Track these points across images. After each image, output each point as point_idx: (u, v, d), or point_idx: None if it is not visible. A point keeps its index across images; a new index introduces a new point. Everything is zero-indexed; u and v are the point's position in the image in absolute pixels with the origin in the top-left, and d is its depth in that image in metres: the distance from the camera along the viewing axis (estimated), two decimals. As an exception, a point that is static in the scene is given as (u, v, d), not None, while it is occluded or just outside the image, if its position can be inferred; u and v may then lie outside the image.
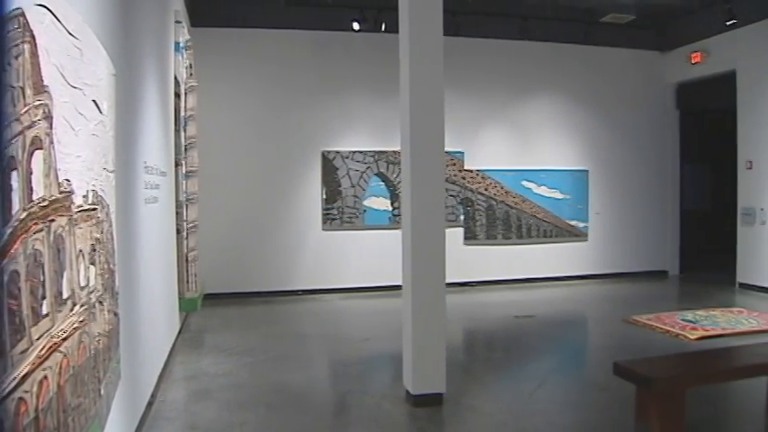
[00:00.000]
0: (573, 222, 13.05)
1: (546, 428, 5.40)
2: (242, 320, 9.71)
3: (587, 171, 13.17)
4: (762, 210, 11.64)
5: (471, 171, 12.34)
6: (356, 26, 11.35)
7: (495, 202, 12.49)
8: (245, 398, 6.10)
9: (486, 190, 12.43)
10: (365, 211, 11.79)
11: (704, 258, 14.04)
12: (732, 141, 12.28)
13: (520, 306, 10.53)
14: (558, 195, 12.92)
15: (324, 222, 11.64)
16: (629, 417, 5.43)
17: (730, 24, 11.56)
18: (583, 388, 6.64)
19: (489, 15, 12.14)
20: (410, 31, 5.81)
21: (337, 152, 11.64)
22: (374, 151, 11.79)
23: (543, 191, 12.81)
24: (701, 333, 8.33)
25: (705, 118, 14.09)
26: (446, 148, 11.43)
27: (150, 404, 5.64)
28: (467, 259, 12.24)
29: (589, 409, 5.91)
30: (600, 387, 6.37)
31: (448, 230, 11.49)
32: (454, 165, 12.19)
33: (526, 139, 12.77)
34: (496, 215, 12.51)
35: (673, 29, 13.40)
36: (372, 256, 11.62)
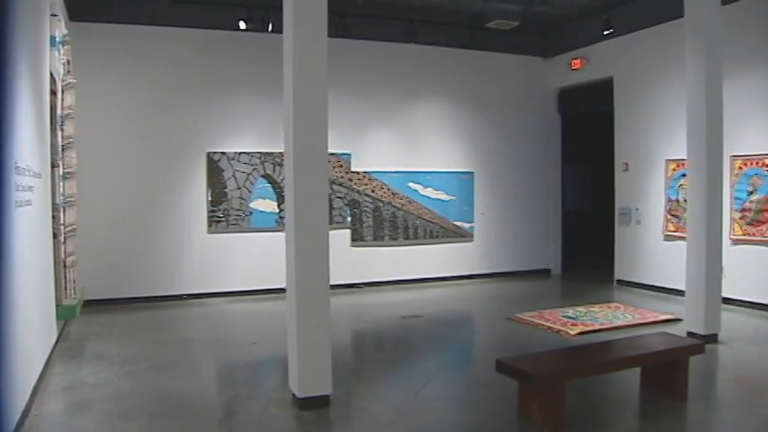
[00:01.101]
0: (459, 223, 13.28)
1: (432, 426, 5.45)
2: (125, 327, 9.35)
3: (473, 173, 13.43)
4: (637, 210, 12.19)
5: (358, 173, 12.34)
6: (243, 25, 11.13)
7: (382, 204, 12.55)
8: (127, 408, 5.87)
9: (373, 191, 12.46)
10: (251, 213, 11.59)
11: (585, 257, 14.56)
12: (610, 144, 12.82)
13: (407, 306, 10.60)
14: (445, 197, 13.12)
15: (209, 225, 11.36)
16: (513, 411, 5.56)
17: (608, 34, 12.08)
18: (468, 385, 6.75)
19: (377, 18, 12.19)
20: (294, 32, 5.73)
21: (223, 153, 11.38)
22: (261, 153, 11.61)
23: (430, 192, 12.97)
24: (581, 328, 8.63)
25: (585, 122, 14.63)
26: (333, 150, 11.61)
27: (23, 419, 5.33)
28: (354, 261, 12.24)
29: (474, 406, 6.01)
30: (484, 384, 6.49)
31: (335, 232, 11.66)
32: (341, 166, 12.16)
33: (413, 141, 12.89)
34: (383, 216, 12.57)
35: (555, 36, 13.87)
36: (259, 258, 11.44)
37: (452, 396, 6.34)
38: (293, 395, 5.87)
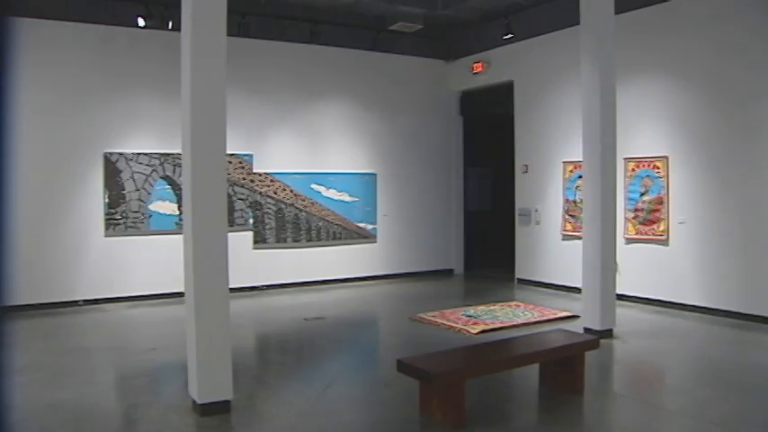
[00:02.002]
0: (362, 224, 13.28)
1: (334, 428, 5.40)
2: (16, 336, 8.86)
3: (376, 174, 13.46)
4: (536, 210, 12.49)
5: (260, 174, 12.16)
6: (141, 22, 10.79)
7: (284, 206, 12.41)
8: (15, 422, 5.54)
9: (275, 193, 12.31)
10: (151, 215, 11.24)
11: (487, 257, 14.82)
12: (511, 146, 13.08)
13: (311, 308, 10.52)
14: (348, 198, 13.09)
15: (107, 228, 10.94)
16: (415, 410, 5.57)
17: (508, 38, 12.33)
18: (370, 386, 6.73)
19: (280, 18, 12.07)
20: (192, 30, 5.57)
21: (121, 154, 10.99)
22: (160, 153, 11.27)
23: (332, 194, 12.92)
24: (482, 327, 8.75)
25: (487, 124, 14.90)
26: (234, 151, 11.46)
27: None
28: (257, 263, 12.07)
29: (376, 406, 5.99)
30: (386, 384, 6.49)
31: (237, 234, 11.48)
32: (243, 167, 11.96)
33: (316, 142, 12.82)
34: (286, 218, 12.44)
35: (457, 40, 14.07)
36: (159, 262, 11.08)
37: (355, 397, 6.31)
38: (193, 401, 5.70)
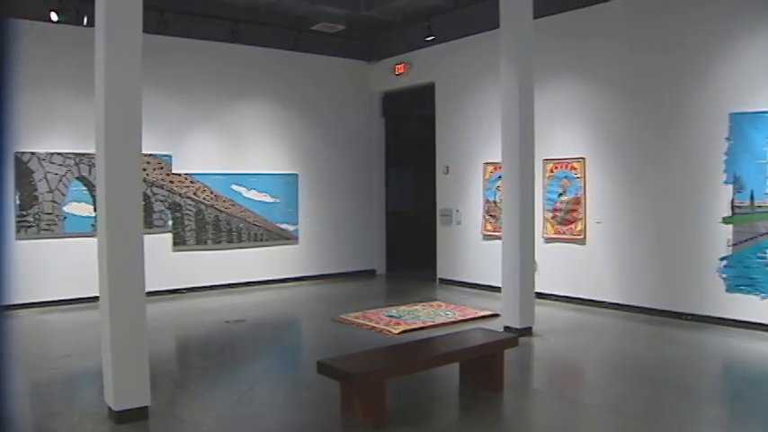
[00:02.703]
0: (283, 226, 13.15)
1: (254, 432, 5.32)
2: None
3: (297, 175, 13.34)
4: (457, 211, 12.61)
5: (180, 175, 11.90)
6: (54, 17, 10.39)
7: (204, 207, 12.19)
8: None
9: (195, 194, 12.07)
10: (65, 217, 10.85)
11: (409, 257, 14.89)
12: (432, 147, 13.17)
13: (232, 311, 10.36)
14: (269, 199, 12.94)
15: (18, 231, 10.51)
16: (336, 412, 5.53)
17: (430, 40, 12.42)
18: (291, 388, 6.66)
19: (200, 16, 11.84)
20: (106, 25, 5.40)
21: (33, 153, 10.58)
22: (75, 153, 10.89)
23: (253, 195, 12.75)
24: (403, 327, 8.78)
25: (409, 125, 14.97)
26: (152, 151, 11.21)
27: None
28: (176, 265, 11.81)
29: (297, 409, 5.93)
30: (308, 386, 6.44)
31: (156, 236, 11.24)
32: (161, 168, 11.69)
33: (237, 142, 12.63)
34: (206, 220, 12.22)
35: (379, 41, 14.10)
36: (74, 265, 10.69)
37: (276, 400, 6.23)
38: (109, 409, 5.52)
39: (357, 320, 9.31)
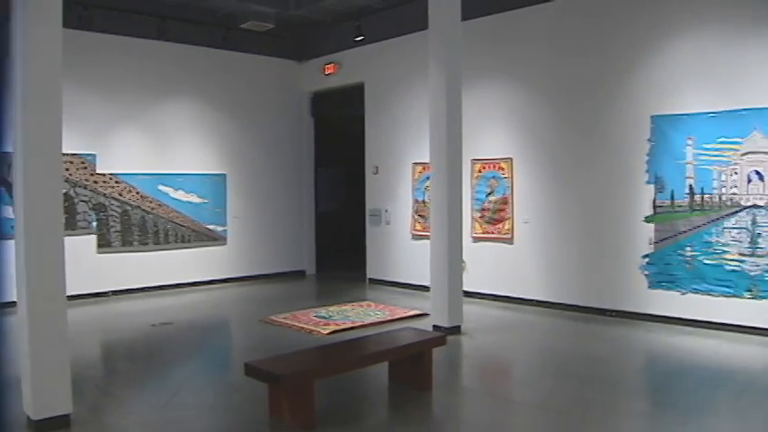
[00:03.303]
0: (211, 226, 12.95)
1: (181, 436, 5.24)
2: None
3: (225, 175, 13.16)
4: (386, 211, 12.65)
5: (104, 175, 11.59)
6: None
7: (130, 208, 11.90)
8: None
9: (120, 195, 11.78)
10: (-17, 219, 10.46)
11: (339, 257, 14.87)
12: (362, 147, 13.18)
13: (159, 314, 10.17)
14: (196, 200, 12.72)
15: (-69, 232, 10.10)
16: (265, 414, 5.48)
17: (359, 40, 12.43)
18: (219, 391, 6.57)
19: (125, 11, 11.55)
20: (22, 20, 5.21)
21: (-53, 153, 10.16)
22: (-8, 152, 10.51)
23: (180, 195, 12.50)
24: (333, 327, 8.77)
25: (338, 125, 14.95)
26: (76, 151, 10.91)
27: None
28: (101, 268, 11.49)
29: (225, 411, 5.86)
30: (236, 388, 6.38)
31: (79, 238, 10.96)
32: (85, 168, 11.36)
33: (163, 142, 12.37)
34: (132, 221, 11.93)
35: (309, 40, 14.02)
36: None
37: (203, 403, 6.14)
38: (28, 418, 5.33)
39: (286, 321, 9.25)
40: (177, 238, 12.51)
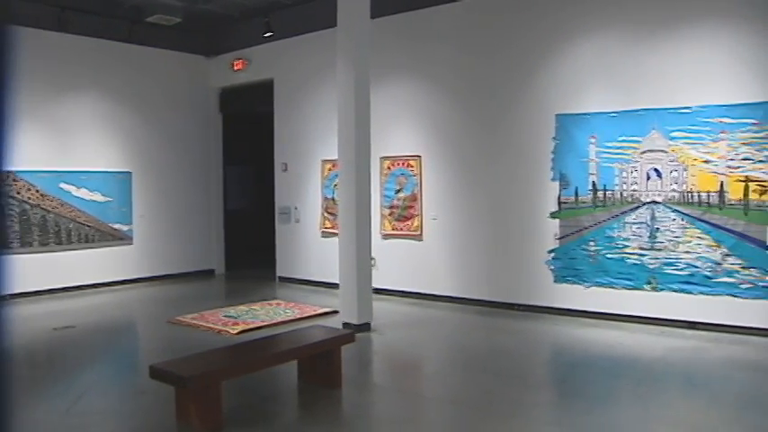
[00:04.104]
0: (117, 226, 12.60)
1: (82, 443, 5.09)
2: None
3: (131, 173, 12.83)
4: (296, 209, 12.61)
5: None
6: None
7: (29, 207, 11.44)
8: None
9: (18, 193, 11.32)
10: None
11: (249, 256, 14.72)
12: (271, 145, 13.08)
13: (61, 317, 9.85)
14: (100, 198, 12.34)
15: None
16: (171, 417, 5.39)
17: (268, 36, 12.32)
18: (125, 395, 6.43)
19: (21, 0, 11.07)
20: None
21: None
22: None
23: (84, 193, 12.10)
24: (242, 327, 8.69)
25: (247, 122, 14.79)
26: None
27: None
28: (-2, 270, 11.00)
29: (131, 416, 5.74)
30: (142, 391, 6.24)
31: (-28, 238, 10.42)
32: (-20, 166, 10.86)
33: (64, 138, 11.95)
34: (32, 221, 11.48)
35: (218, 36, 13.81)
36: None
37: (108, 408, 5.98)
38: None
39: (194, 322, 9.11)
40: (80, 238, 12.11)
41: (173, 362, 5.52)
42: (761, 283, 7.91)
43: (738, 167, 8.02)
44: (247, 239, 14.95)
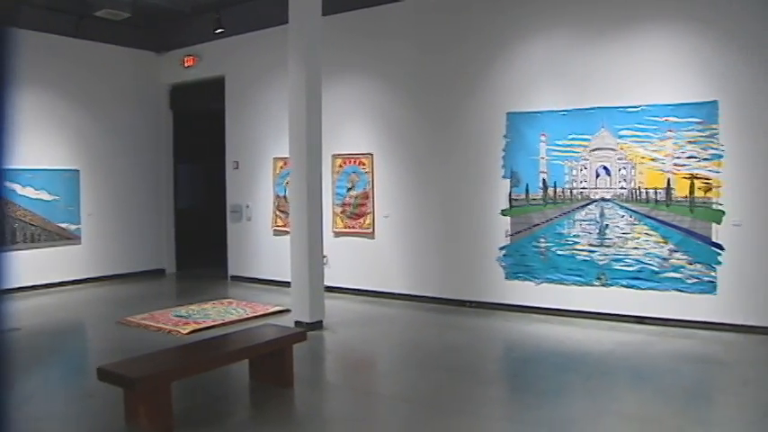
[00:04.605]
0: (64, 225, 12.33)
1: (27, 448, 4.98)
2: None
3: (78, 171, 12.57)
4: (247, 207, 12.52)
5: (-59, 170, 10.79)
6: None
7: (-30, 206, 11.13)
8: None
9: (-41, 192, 11.00)
10: None
11: (200, 255, 14.56)
12: (222, 142, 12.95)
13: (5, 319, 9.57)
14: (47, 197, 12.05)
15: None
16: (120, 420, 5.30)
17: (219, 33, 12.18)
18: (72, 398, 6.30)
19: (-38, -5, 10.76)
20: None
21: None
22: None
23: (29, 192, 11.79)
24: (193, 327, 8.60)
25: (198, 119, 14.62)
26: None
27: None
28: (-61, 271, 10.70)
29: (79, 419, 5.64)
30: (90, 394, 6.12)
31: None
32: None
33: (9, 136, 11.64)
34: (-26, 220, 11.17)
35: (168, 31, 13.61)
36: None
37: (55, 412, 5.85)
38: None
39: (144, 322, 8.98)
40: (26, 237, 11.82)
41: (121, 363, 5.43)
42: (706, 278, 8.11)
43: (684, 165, 8.20)
44: (199, 238, 14.79)
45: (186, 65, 13.36)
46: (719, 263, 8.04)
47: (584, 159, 8.87)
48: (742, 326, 7.90)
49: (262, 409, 5.84)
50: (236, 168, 12.75)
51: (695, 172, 8.13)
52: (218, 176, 13.62)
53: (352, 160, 10.92)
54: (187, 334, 8.30)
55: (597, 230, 8.83)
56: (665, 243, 8.37)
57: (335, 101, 10.64)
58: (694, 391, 6.10)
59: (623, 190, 8.64)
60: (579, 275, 8.94)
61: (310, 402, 6.13)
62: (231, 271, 12.91)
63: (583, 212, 8.94)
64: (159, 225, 13.98)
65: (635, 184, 8.55)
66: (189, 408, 5.64)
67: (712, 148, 8.02)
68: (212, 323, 8.84)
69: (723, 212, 7.99)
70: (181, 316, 9.33)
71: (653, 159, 8.40)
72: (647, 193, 8.48)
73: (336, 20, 10.54)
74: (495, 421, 5.48)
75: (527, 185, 9.31)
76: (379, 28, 10.66)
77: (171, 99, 14.11)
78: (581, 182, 8.92)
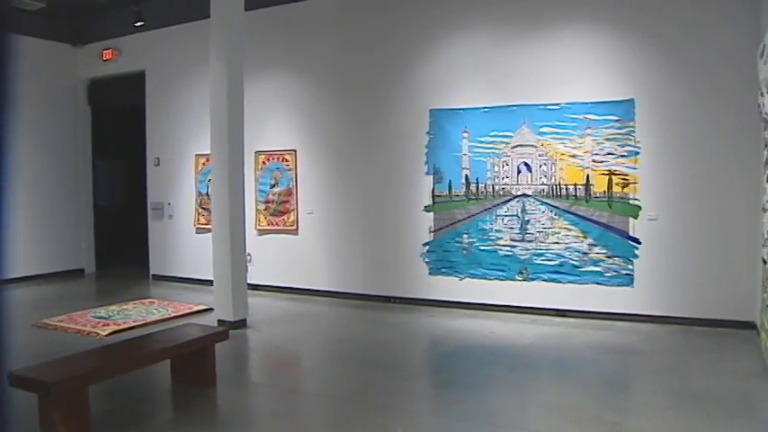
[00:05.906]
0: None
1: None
2: None
3: (-9, 168, 12.08)
4: (169, 204, 12.29)
5: None
6: None
7: None
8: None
9: None
10: None
11: (121, 254, 14.21)
12: (143, 138, 12.67)
13: None
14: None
15: None
16: (35, 427, 5.13)
17: (139, 26, 11.87)
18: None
19: None
20: None
21: None
22: None
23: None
24: (113, 328, 8.39)
25: (118, 115, 14.25)
26: None
27: None
28: None
29: (-12, 426, 5.40)
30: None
31: None
32: None
33: None
34: None
35: (86, 24, 13.20)
36: None
37: (-37, 418, 5.62)
38: None
39: (62, 324, 8.72)
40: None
41: (35, 367, 5.23)
42: (624, 271, 8.37)
43: (602, 162, 8.44)
44: (119, 237, 14.42)
45: (105, 58, 13.00)
46: (636, 256, 8.31)
47: (506, 156, 9.02)
48: (658, 317, 8.18)
49: (184, 410, 5.74)
50: (158, 165, 12.49)
51: (613, 168, 8.37)
52: (139, 174, 13.30)
53: (276, 157, 10.84)
54: (107, 335, 8.10)
55: (519, 226, 9.00)
56: (585, 238, 8.59)
57: (258, 97, 10.53)
58: (613, 381, 6.28)
59: (544, 186, 8.82)
60: (502, 270, 9.10)
61: (234, 402, 6.05)
62: (153, 270, 12.65)
63: (505, 208, 9.09)
64: (77, 224, 13.56)
65: (555, 180, 8.75)
66: (108, 411, 5.51)
67: (629, 145, 8.27)
68: (133, 324, 8.64)
69: (640, 207, 8.26)
70: (100, 317, 9.09)
71: (573, 156, 8.60)
72: (567, 188, 8.68)
73: (259, 15, 10.42)
74: (422, 416, 5.52)
75: (450, 182, 9.41)
76: (302, 24, 10.60)
77: (89, 94, 13.69)
78: (503, 178, 9.07)
